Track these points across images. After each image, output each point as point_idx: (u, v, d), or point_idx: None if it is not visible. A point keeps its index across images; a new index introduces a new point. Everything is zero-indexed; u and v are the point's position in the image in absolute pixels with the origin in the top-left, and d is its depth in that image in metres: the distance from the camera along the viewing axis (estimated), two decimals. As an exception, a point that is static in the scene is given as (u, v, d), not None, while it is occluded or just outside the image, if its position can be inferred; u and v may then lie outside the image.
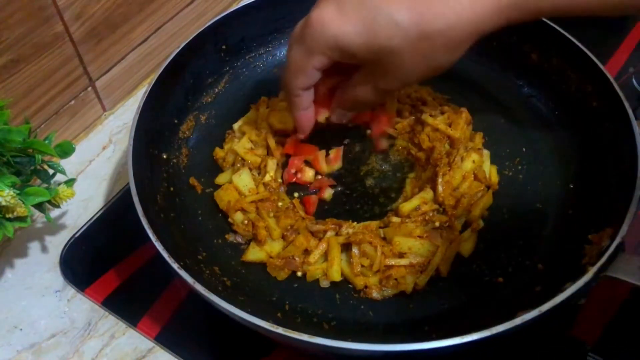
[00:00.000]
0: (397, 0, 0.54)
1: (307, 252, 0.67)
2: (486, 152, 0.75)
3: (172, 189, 0.73)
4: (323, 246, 0.67)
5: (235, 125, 0.79)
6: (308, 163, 0.76)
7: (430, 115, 0.76)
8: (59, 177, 0.67)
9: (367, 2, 0.55)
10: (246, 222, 0.70)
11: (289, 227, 0.69)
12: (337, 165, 0.76)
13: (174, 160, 0.76)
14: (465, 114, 0.76)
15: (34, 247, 0.75)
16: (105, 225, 0.76)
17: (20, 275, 0.72)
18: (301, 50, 0.60)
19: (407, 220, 0.68)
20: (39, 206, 0.64)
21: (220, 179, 0.75)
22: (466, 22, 0.55)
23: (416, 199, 0.70)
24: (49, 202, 0.64)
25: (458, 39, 0.56)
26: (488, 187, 0.72)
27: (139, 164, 0.67)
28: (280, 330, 0.53)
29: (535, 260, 0.66)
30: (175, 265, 0.57)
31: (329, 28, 0.57)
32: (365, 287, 0.65)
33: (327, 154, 0.76)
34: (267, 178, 0.72)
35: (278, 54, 0.88)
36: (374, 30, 0.55)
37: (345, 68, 0.63)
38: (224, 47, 0.83)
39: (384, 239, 0.68)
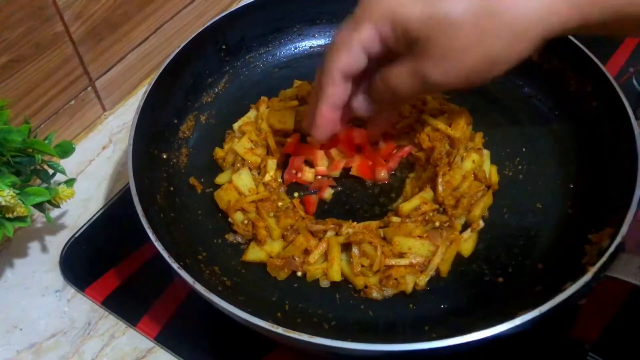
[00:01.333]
0: None
1: (307, 252, 0.67)
2: (486, 152, 0.75)
3: (172, 188, 0.73)
4: (323, 246, 0.67)
5: (235, 125, 0.79)
6: (308, 163, 0.76)
7: (430, 115, 0.76)
8: (59, 177, 0.67)
9: None
10: (246, 222, 0.70)
11: (289, 227, 0.69)
12: (336, 173, 0.76)
13: (174, 160, 0.76)
14: (465, 114, 0.76)
15: (34, 247, 0.75)
16: (105, 225, 0.76)
17: (20, 275, 0.72)
18: (349, 25, 0.54)
19: (407, 220, 0.68)
20: (39, 206, 0.64)
21: (220, 178, 0.75)
22: (535, 9, 0.49)
23: (416, 199, 0.70)
24: (49, 202, 0.64)
25: (524, 24, 0.50)
26: (488, 187, 0.72)
27: (139, 164, 0.67)
28: (280, 330, 0.53)
29: (535, 260, 0.66)
30: (175, 265, 0.57)
31: None
32: (365, 287, 0.65)
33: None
34: (267, 178, 0.72)
35: (278, 54, 0.88)
36: None
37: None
38: (224, 47, 0.83)
39: (384, 238, 0.68)
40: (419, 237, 0.66)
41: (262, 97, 0.81)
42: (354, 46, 0.54)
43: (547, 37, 0.51)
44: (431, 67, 0.52)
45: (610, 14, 0.50)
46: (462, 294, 0.65)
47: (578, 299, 0.55)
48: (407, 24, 0.51)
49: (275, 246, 0.68)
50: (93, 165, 0.83)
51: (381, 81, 0.57)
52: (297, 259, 0.67)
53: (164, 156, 0.75)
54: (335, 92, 0.57)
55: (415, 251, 0.65)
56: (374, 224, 0.69)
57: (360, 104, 0.61)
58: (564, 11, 0.50)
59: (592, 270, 0.55)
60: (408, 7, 0.51)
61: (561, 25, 0.50)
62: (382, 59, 0.56)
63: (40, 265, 0.73)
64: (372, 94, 0.59)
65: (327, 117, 0.59)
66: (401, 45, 0.53)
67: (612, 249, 0.56)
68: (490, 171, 0.73)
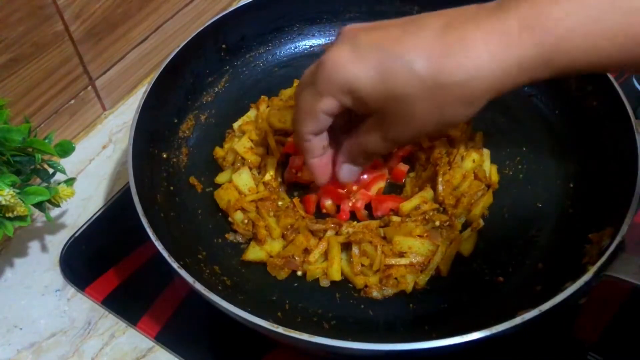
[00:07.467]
0: (415, 47, 0.52)
1: (307, 251, 0.67)
2: (486, 151, 0.74)
3: (172, 188, 0.73)
4: (323, 245, 0.67)
5: (235, 125, 0.79)
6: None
7: (431, 115, 0.75)
8: (59, 177, 0.67)
9: (385, 47, 0.52)
10: (246, 221, 0.70)
11: (289, 226, 0.69)
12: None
13: (174, 160, 0.76)
14: (465, 114, 0.76)
15: (34, 246, 0.75)
16: (105, 225, 0.76)
17: (20, 274, 0.72)
18: (311, 93, 0.57)
19: (407, 220, 0.68)
20: (39, 205, 0.64)
21: (220, 178, 0.75)
22: (485, 77, 0.51)
23: (416, 198, 0.70)
24: (48, 201, 0.64)
25: (475, 93, 0.53)
26: (488, 187, 0.72)
27: (139, 164, 0.67)
28: (280, 329, 0.53)
29: (535, 260, 0.66)
30: (175, 265, 0.57)
31: (342, 71, 0.54)
32: (366, 286, 0.65)
33: None
34: (267, 177, 0.72)
35: (278, 53, 0.88)
36: (389, 76, 0.52)
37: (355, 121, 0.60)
38: (223, 46, 0.83)
39: (384, 238, 0.68)
40: (419, 236, 0.66)
41: (262, 97, 0.81)
42: (318, 114, 0.57)
43: (498, 95, 0.54)
44: (397, 132, 0.57)
45: (558, 73, 0.53)
46: (462, 294, 0.65)
47: (578, 299, 0.55)
48: (365, 98, 0.54)
49: (275, 245, 0.68)
50: (93, 164, 0.83)
51: (356, 150, 0.62)
52: (297, 258, 0.67)
53: (164, 156, 0.75)
54: (312, 146, 0.62)
55: (416, 250, 0.65)
56: (374, 223, 0.69)
57: (346, 174, 0.65)
58: (514, 74, 0.52)
59: (592, 270, 0.55)
60: (364, 81, 0.53)
61: (510, 86, 0.53)
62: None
63: (40, 265, 0.73)
64: (351, 157, 0.63)
65: (316, 166, 0.64)
66: (364, 110, 0.57)
67: (612, 248, 0.56)
68: (491, 170, 0.73)
